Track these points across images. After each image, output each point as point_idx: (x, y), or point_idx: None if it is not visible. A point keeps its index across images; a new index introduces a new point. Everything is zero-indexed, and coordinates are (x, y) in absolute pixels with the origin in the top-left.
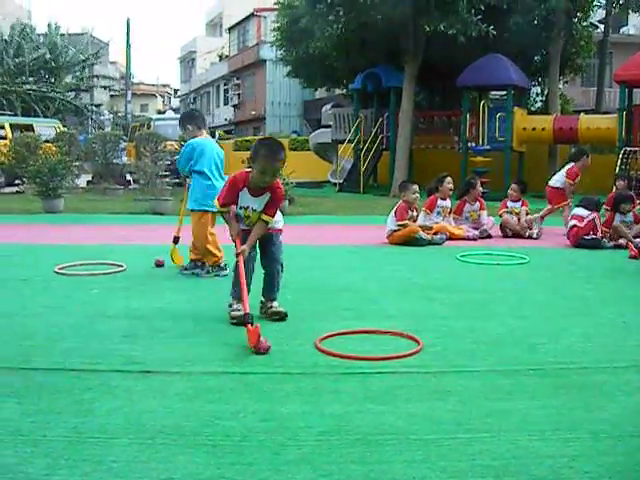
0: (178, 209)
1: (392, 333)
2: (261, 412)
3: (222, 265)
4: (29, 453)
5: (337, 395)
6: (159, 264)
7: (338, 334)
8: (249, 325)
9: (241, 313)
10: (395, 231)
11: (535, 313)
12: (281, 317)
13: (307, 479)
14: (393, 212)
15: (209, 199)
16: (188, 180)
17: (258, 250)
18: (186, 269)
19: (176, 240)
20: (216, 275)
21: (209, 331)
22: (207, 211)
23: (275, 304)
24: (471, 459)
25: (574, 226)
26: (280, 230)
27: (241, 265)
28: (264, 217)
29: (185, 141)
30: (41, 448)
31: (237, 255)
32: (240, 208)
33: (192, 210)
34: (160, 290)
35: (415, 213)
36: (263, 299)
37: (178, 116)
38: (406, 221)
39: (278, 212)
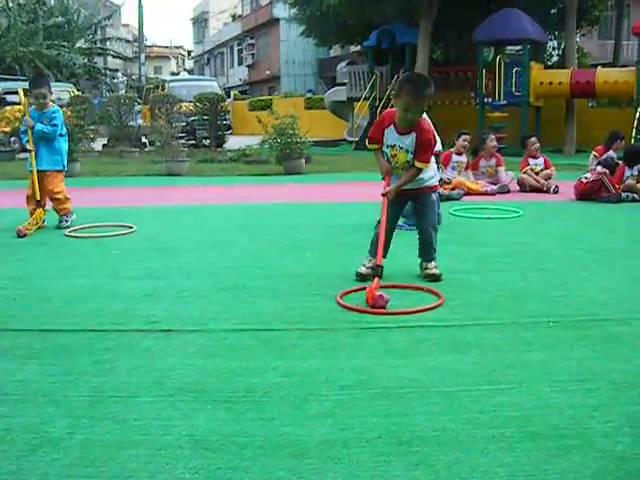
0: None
1: (413, 287)
2: (282, 368)
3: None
4: (51, 413)
5: (358, 350)
6: (20, 235)
7: (359, 289)
8: (377, 278)
9: (363, 270)
10: None
11: (553, 266)
12: (435, 279)
13: (329, 433)
14: None
15: (66, 159)
16: (28, 145)
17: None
18: (66, 222)
19: (40, 204)
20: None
21: (228, 289)
22: (64, 169)
23: (431, 265)
24: (493, 410)
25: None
26: (433, 188)
27: (385, 208)
28: (417, 164)
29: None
30: (63, 408)
31: (383, 195)
32: (387, 147)
33: (55, 170)
34: (175, 250)
35: None
36: (420, 260)
37: (192, 77)
38: None
39: (433, 167)
